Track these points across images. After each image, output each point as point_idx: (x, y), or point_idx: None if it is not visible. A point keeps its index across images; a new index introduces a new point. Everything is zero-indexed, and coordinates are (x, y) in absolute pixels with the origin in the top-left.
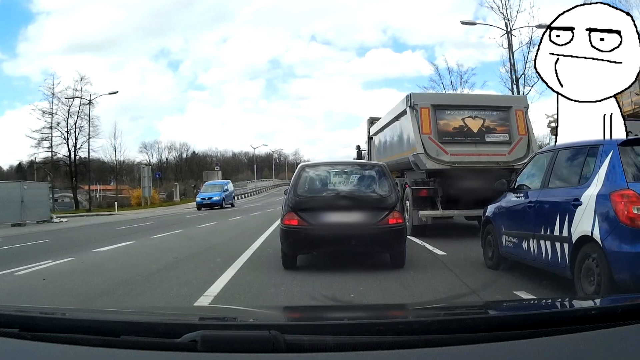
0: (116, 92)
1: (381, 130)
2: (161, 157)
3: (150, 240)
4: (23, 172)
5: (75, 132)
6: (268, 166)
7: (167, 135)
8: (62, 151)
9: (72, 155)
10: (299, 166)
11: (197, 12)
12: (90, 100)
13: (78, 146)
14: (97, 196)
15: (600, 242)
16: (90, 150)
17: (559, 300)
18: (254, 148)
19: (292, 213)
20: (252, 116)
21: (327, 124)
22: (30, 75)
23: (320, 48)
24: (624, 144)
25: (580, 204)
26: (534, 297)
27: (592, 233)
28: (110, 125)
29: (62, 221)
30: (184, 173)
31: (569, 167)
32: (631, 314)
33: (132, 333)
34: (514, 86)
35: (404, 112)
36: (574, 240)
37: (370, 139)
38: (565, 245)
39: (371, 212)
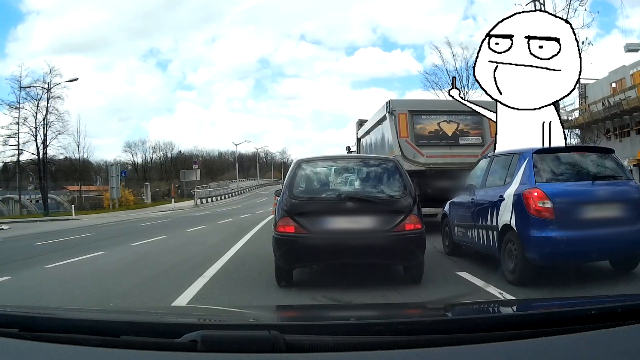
0: (76, 79)
1: (367, 133)
2: (145, 156)
3: (39, 273)
4: (9, 172)
5: (44, 128)
6: (255, 166)
7: (156, 135)
8: (30, 149)
9: (41, 153)
10: (294, 161)
11: (185, 12)
12: (48, 89)
13: (47, 143)
14: (78, 197)
15: (516, 229)
16: (59, 147)
17: (559, 300)
18: (236, 145)
19: (288, 218)
20: (240, 116)
21: (316, 123)
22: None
23: (310, 47)
24: (537, 152)
25: (504, 200)
26: (534, 297)
27: (510, 222)
28: (92, 122)
29: (2, 229)
30: (169, 173)
31: (499, 171)
32: (631, 314)
33: (132, 333)
34: None
35: (384, 118)
36: (499, 228)
37: (358, 140)
38: (495, 233)
39: (384, 217)
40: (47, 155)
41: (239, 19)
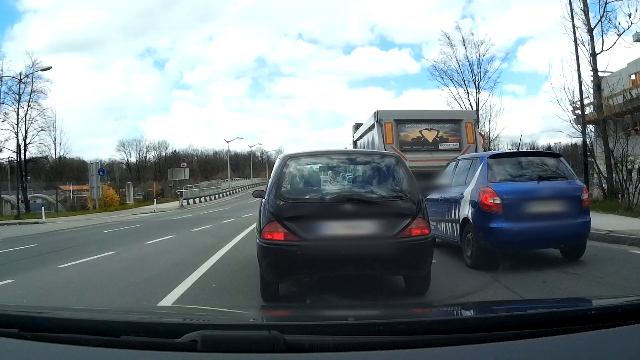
0: (50, 68)
1: (361, 137)
2: (139, 155)
3: None
4: (1, 171)
5: (25, 124)
6: (251, 165)
7: (153, 135)
8: (12, 146)
9: (22, 151)
10: (280, 156)
11: (182, 11)
12: (20, 80)
13: (28, 140)
14: (71, 196)
15: (472, 222)
16: (42, 145)
17: (559, 300)
18: (228, 142)
19: (276, 223)
20: (237, 115)
21: (312, 123)
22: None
23: (307, 46)
24: (491, 157)
25: (464, 197)
26: (534, 298)
27: (468, 216)
28: (88, 121)
29: None
30: (163, 172)
31: (463, 172)
32: (631, 314)
33: (132, 333)
34: (588, 36)
35: (373, 126)
36: (460, 221)
37: (355, 143)
38: (457, 225)
39: (387, 220)
40: (29, 153)
41: (236, 18)
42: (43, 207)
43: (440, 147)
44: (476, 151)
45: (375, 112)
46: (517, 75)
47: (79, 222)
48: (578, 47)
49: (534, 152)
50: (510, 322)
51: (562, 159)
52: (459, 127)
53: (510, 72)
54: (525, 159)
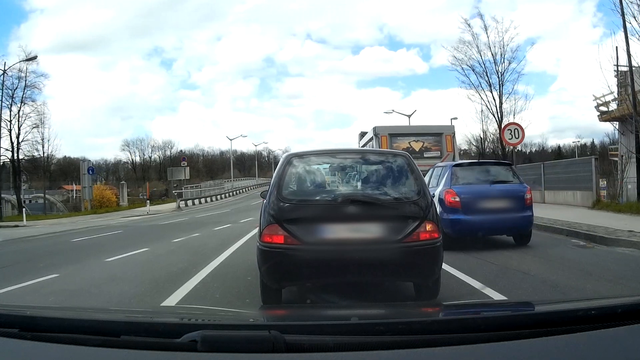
0: (35, 58)
1: (364, 145)
2: (144, 155)
3: None
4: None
5: (18, 121)
6: (258, 165)
7: (159, 135)
8: (5, 144)
9: (15, 149)
10: (284, 156)
11: (189, 11)
12: (4, 71)
13: (22, 138)
14: (73, 196)
15: (439, 215)
16: (35, 143)
17: (559, 300)
18: (231, 139)
19: (276, 226)
20: (243, 115)
21: (319, 123)
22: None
23: (315, 46)
24: (455, 165)
25: (435, 196)
26: (534, 298)
27: (437, 210)
28: (94, 121)
29: None
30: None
31: (436, 177)
32: (631, 314)
33: (132, 333)
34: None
35: (371, 138)
36: None
37: None
38: None
39: (393, 224)
40: (22, 151)
41: (243, 17)
42: (24, 210)
43: (425, 155)
44: (454, 159)
45: (373, 127)
46: (524, 75)
47: (61, 226)
48: (627, 23)
49: (489, 162)
50: (510, 322)
51: (512, 166)
52: (440, 139)
53: (516, 72)
54: (482, 167)
